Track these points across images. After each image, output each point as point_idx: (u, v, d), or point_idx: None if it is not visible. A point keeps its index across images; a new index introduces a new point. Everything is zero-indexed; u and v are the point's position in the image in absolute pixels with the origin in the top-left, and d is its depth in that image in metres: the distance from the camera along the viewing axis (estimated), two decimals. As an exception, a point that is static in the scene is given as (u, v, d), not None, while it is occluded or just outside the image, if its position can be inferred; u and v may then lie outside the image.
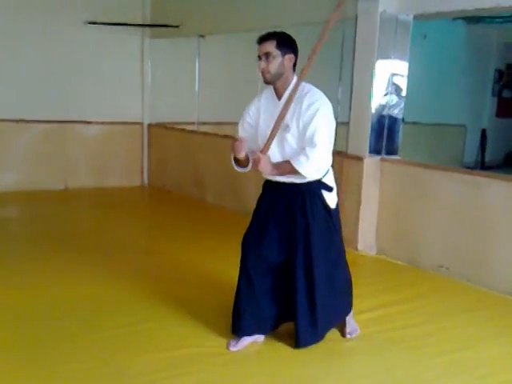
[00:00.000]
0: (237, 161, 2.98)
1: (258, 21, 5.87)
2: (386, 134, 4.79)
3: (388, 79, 4.69)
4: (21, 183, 6.72)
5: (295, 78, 2.86)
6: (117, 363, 2.80)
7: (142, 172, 7.75)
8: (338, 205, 3.04)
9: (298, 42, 2.91)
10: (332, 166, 3.02)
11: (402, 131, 4.91)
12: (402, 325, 3.39)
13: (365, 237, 4.79)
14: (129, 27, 7.15)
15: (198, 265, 4.37)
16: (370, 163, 4.71)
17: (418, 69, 5.45)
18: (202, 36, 6.99)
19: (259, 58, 2.83)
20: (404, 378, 2.82)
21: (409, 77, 4.80)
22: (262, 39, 2.82)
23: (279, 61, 2.80)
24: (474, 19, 8.96)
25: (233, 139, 2.92)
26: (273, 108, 2.89)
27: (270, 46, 2.79)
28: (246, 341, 3.03)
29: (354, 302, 3.26)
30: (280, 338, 3.11)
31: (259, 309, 3.00)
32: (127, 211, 6.32)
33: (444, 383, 2.79)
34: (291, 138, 2.84)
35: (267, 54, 2.79)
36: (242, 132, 3.02)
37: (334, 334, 3.18)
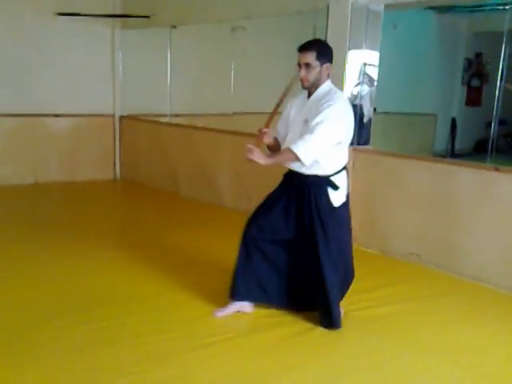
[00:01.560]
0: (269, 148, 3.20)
1: (230, 11, 5.84)
2: (357, 124, 4.82)
3: (360, 69, 4.72)
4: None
5: (327, 82, 3.09)
6: (101, 356, 2.79)
7: (114, 165, 7.67)
8: (345, 205, 3.20)
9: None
10: (345, 169, 3.18)
11: (373, 121, 4.96)
12: (373, 311, 3.44)
13: (338, 226, 4.82)
14: (99, 18, 7.03)
15: (173, 256, 4.36)
16: (343, 153, 4.74)
17: (388, 59, 5.49)
18: (174, 26, 6.92)
19: (299, 65, 3.03)
20: (378, 362, 2.87)
21: (380, 67, 4.84)
22: (304, 49, 3.03)
23: (318, 71, 3.03)
24: (443, 9, 9.08)
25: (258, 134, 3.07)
26: (302, 105, 3.14)
27: (311, 57, 3.00)
28: (232, 308, 3.28)
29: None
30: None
31: (254, 275, 3.24)
32: (99, 205, 6.25)
33: (418, 366, 2.84)
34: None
35: (307, 65, 3.00)
36: (281, 120, 3.26)
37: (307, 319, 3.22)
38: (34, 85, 6.82)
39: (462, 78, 10.37)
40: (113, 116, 7.54)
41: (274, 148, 3.21)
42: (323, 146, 2.96)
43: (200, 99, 7.54)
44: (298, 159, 2.94)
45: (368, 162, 4.75)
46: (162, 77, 7.20)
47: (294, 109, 3.19)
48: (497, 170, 3.97)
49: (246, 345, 3.00)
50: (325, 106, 2.95)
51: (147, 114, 7.37)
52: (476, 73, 10.43)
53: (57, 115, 7.06)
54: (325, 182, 3.07)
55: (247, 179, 5.69)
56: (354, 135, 4.78)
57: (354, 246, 4.86)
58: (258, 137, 3.06)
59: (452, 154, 10.03)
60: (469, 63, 10.37)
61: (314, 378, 2.70)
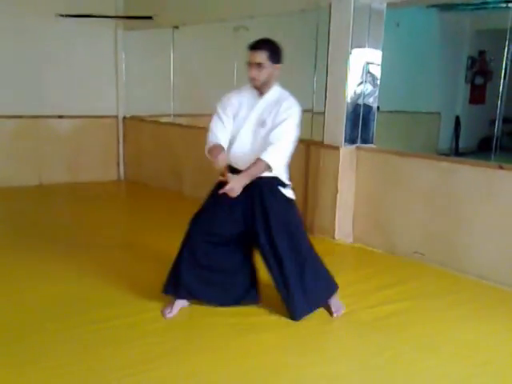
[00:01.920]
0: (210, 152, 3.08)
1: (232, 11, 5.84)
2: (361, 123, 4.83)
3: (362, 68, 4.71)
4: (-6, 179, 6.61)
5: (276, 84, 3.13)
6: (105, 356, 2.79)
7: (118, 166, 7.68)
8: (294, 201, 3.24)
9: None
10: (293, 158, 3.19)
11: (377, 120, 4.95)
12: (378, 310, 3.44)
13: (342, 225, 4.83)
14: (101, 19, 7.04)
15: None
16: (346, 152, 4.74)
17: (391, 57, 5.49)
18: (176, 27, 6.93)
19: (249, 64, 3.03)
20: (381, 360, 2.86)
21: (383, 65, 4.83)
22: (256, 48, 3.03)
23: (269, 71, 3.04)
24: (446, 7, 9.06)
25: (215, 150, 3.00)
26: (252, 104, 3.11)
27: (263, 57, 3.01)
28: (178, 305, 3.27)
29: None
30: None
31: (197, 272, 3.22)
32: (104, 205, 6.26)
33: (421, 364, 2.84)
34: (264, 133, 3.05)
35: (259, 65, 3.01)
36: (226, 117, 3.13)
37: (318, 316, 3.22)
38: (38, 86, 6.84)
39: (466, 76, 10.33)
40: (116, 117, 7.56)
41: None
42: (290, 152, 3.08)
43: (203, 99, 7.53)
44: (268, 168, 2.99)
45: (372, 160, 4.75)
46: (165, 77, 7.20)
47: (242, 109, 3.13)
48: (501, 168, 3.95)
49: (253, 343, 2.99)
50: (287, 110, 3.02)
51: (151, 114, 7.38)
52: (479, 71, 10.40)
53: (60, 116, 7.08)
54: (275, 181, 3.13)
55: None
56: (357, 134, 4.85)
57: (359, 245, 4.88)
58: (223, 179, 3.02)
59: (456, 152, 10.01)
60: (472, 61, 10.33)
61: (316, 377, 2.69)
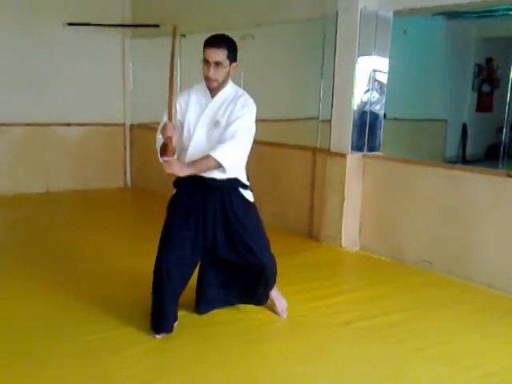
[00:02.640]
0: (162, 151, 2.88)
1: (239, 19, 5.87)
2: (367, 131, 4.82)
3: (369, 76, 4.71)
4: (1, 187, 6.62)
5: (230, 81, 2.98)
6: (92, 369, 2.76)
7: (125, 173, 7.70)
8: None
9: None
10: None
11: (383, 127, 4.94)
12: (386, 319, 3.41)
13: (348, 233, 4.81)
14: (109, 28, 7.09)
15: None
16: (353, 160, 4.73)
17: (398, 65, 5.48)
18: (183, 35, 6.95)
19: (206, 61, 2.87)
20: (389, 370, 2.84)
21: (389, 73, 4.82)
22: (214, 45, 2.86)
23: (227, 70, 2.90)
24: (453, 15, 9.04)
25: (162, 125, 2.88)
26: (204, 103, 2.97)
27: (222, 56, 2.85)
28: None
29: (339, 297, 3.33)
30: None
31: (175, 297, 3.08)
32: (110, 213, 6.27)
33: (429, 375, 2.82)
34: (218, 133, 2.91)
35: (217, 63, 2.85)
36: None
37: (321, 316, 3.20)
38: (45, 94, 6.88)
39: (473, 83, 10.29)
40: (123, 125, 7.59)
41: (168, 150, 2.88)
42: (245, 151, 2.94)
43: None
44: (219, 166, 2.83)
45: (379, 168, 4.74)
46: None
47: (191, 110, 2.98)
48: (509, 175, 3.93)
49: (252, 353, 2.98)
50: (241, 109, 2.88)
51: (158, 122, 7.38)
52: (486, 78, 10.36)
53: (68, 124, 7.12)
54: (235, 183, 3.02)
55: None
56: (364, 141, 4.84)
57: (366, 253, 4.86)
58: (167, 143, 2.80)
59: (463, 159, 9.96)
60: (479, 69, 10.30)
61: (325, 387, 2.68)
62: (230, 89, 2.97)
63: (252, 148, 3.01)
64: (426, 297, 3.87)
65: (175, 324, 3.13)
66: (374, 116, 4.83)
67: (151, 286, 3.07)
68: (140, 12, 7.20)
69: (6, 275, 4.03)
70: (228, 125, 2.87)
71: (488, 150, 10.27)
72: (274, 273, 3.24)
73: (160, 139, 2.93)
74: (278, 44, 8.01)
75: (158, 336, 3.05)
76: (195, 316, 3.34)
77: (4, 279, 3.95)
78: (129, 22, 7.28)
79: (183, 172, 2.82)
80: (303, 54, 5.87)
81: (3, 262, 4.33)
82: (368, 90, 4.73)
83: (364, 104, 4.74)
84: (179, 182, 3.06)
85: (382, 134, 4.93)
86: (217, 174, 2.91)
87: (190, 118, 2.98)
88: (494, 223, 4.00)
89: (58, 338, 3.07)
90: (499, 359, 3.01)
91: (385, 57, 4.76)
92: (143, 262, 4.36)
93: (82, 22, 6.84)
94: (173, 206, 3.15)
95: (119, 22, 7.22)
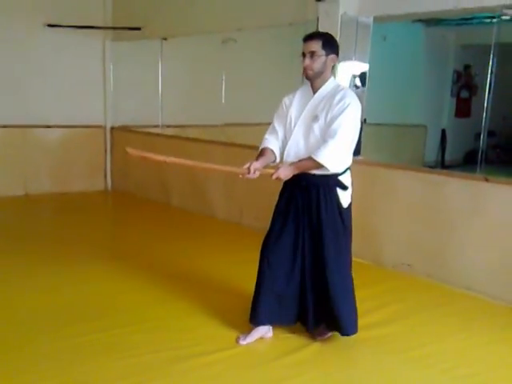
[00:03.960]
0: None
1: (221, 23, 5.88)
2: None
3: (349, 81, 4.75)
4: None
5: (332, 77, 3.02)
6: (87, 370, 2.76)
7: (106, 176, 7.64)
8: (350, 206, 3.11)
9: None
10: (349, 168, 3.08)
11: (364, 132, 4.97)
12: (366, 322, 3.41)
13: (330, 237, 4.82)
14: (90, 30, 7.04)
15: (170, 266, 4.36)
16: (334, 164, 4.75)
17: (378, 70, 5.53)
18: (165, 38, 6.94)
19: (303, 54, 2.95)
20: (368, 373, 2.86)
21: (370, 78, 4.87)
22: (309, 37, 2.95)
23: (323, 60, 2.93)
24: (432, 21, 9.17)
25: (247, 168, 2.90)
26: (305, 101, 3.02)
27: (316, 46, 2.92)
28: (255, 335, 3.12)
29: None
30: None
31: (277, 297, 3.07)
32: (90, 216, 6.21)
33: (408, 378, 2.84)
34: (317, 129, 2.93)
35: (312, 53, 2.92)
36: (277, 119, 3.11)
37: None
38: (25, 96, 6.81)
39: (452, 89, 10.45)
40: (104, 127, 7.53)
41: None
42: (347, 150, 2.94)
43: (191, 110, 7.55)
44: (321, 166, 2.86)
45: (359, 172, 4.71)
46: (154, 88, 7.20)
47: (294, 107, 3.05)
48: (486, 180, 3.99)
49: (242, 357, 2.98)
50: (341, 104, 2.86)
51: (138, 125, 7.36)
52: (465, 85, 10.52)
53: (47, 126, 7.04)
54: (334, 183, 2.98)
55: (239, 190, 5.69)
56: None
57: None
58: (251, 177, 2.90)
59: (442, 165, 10.08)
60: (458, 75, 10.45)
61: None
62: (330, 85, 2.99)
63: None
64: (406, 300, 3.90)
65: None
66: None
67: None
68: (121, 14, 7.16)
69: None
70: (330, 122, 2.87)
71: (467, 156, 10.42)
72: (346, 316, 3.06)
73: (266, 140, 3.09)
74: (260, 48, 8.05)
75: (241, 337, 3.10)
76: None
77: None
78: (110, 24, 7.23)
79: (288, 176, 2.91)
80: (285, 58, 5.89)
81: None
82: (349, 95, 4.76)
83: (345, 108, 4.76)
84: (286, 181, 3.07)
85: (362, 138, 4.95)
86: (317, 171, 2.93)
87: (291, 115, 3.05)
88: (473, 227, 4.05)
89: (43, 339, 3.03)
90: (480, 360, 3.06)
91: (365, 62, 4.80)
92: (121, 264, 4.36)
93: (63, 24, 6.78)
94: (276, 205, 3.16)
95: (100, 24, 7.17)
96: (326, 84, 2.98)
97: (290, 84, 5.81)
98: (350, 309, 3.08)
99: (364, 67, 4.79)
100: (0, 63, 6.62)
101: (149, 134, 7.19)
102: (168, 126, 7.32)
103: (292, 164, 2.94)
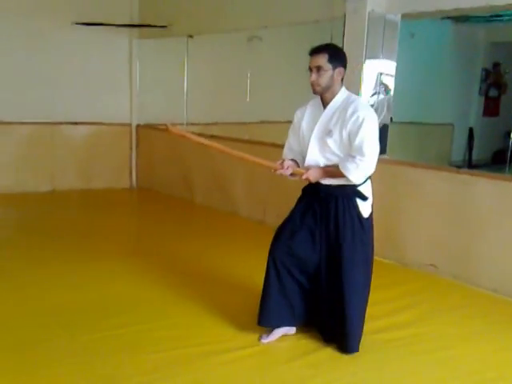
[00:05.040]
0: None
1: (247, 21, 5.87)
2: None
3: (376, 79, 4.70)
4: (7, 185, 6.65)
5: (343, 89, 2.95)
6: (110, 365, 2.79)
7: (131, 173, 7.72)
8: (371, 216, 3.05)
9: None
10: (370, 177, 3.04)
11: (390, 131, 4.93)
12: (390, 323, 3.41)
13: (354, 236, 4.79)
14: (116, 28, 7.11)
15: (192, 264, 4.38)
16: (359, 163, 4.71)
17: (405, 68, 5.47)
18: (191, 36, 6.96)
19: (310, 69, 2.90)
20: (394, 373, 2.83)
21: (397, 76, 4.81)
22: (314, 51, 2.89)
23: (330, 74, 2.87)
24: (461, 18, 9.02)
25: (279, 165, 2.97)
26: (317, 115, 2.98)
27: (322, 60, 2.86)
28: (276, 334, 3.12)
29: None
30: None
31: (286, 299, 3.07)
32: (115, 213, 6.29)
33: (437, 379, 2.81)
34: (332, 143, 2.90)
35: (318, 68, 2.86)
36: (292, 133, 3.11)
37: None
38: (53, 93, 6.90)
39: (480, 88, 10.27)
40: (130, 125, 7.61)
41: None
42: (373, 162, 2.89)
43: (216, 108, 7.57)
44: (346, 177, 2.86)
45: (385, 171, 4.70)
46: (179, 86, 7.24)
47: (305, 120, 3.03)
48: (516, 180, 3.92)
49: (264, 355, 2.98)
50: (355, 118, 2.81)
51: (163, 123, 7.39)
52: (494, 83, 10.33)
53: (75, 123, 7.14)
54: (352, 193, 2.95)
55: (262, 188, 5.68)
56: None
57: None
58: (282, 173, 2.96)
59: (469, 164, 9.92)
60: (486, 73, 10.27)
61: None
62: (341, 97, 2.93)
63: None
64: (431, 301, 3.86)
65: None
66: (381, 119, 4.82)
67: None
68: (148, 12, 7.22)
69: (13, 271, 4.05)
70: (350, 138, 2.83)
71: (495, 155, 10.24)
72: (355, 335, 3.02)
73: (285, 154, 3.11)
74: (285, 46, 8.03)
75: (264, 336, 3.11)
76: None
77: (13, 276, 3.98)
78: (136, 22, 7.30)
79: (317, 178, 2.93)
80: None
81: (9, 259, 4.36)
82: (375, 93, 4.72)
83: (370, 107, 4.72)
84: (305, 186, 3.12)
85: (388, 137, 4.91)
86: (335, 181, 2.93)
87: (303, 129, 3.03)
88: (500, 227, 3.98)
89: (65, 335, 3.08)
90: (502, 364, 3.01)
91: (392, 60, 4.75)
92: (145, 261, 4.40)
93: (90, 22, 6.86)
94: (294, 207, 3.15)
95: (127, 22, 7.23)
96: (337, 97, 2.93)
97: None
98: (359, 330, 3.04)
99: (391, 65, 4.74)
100: (29, 61, 6.73)
101: (174, 131, 7.21)
102: (193, 124, 7.35)
103: (321, 168, 2.94)
